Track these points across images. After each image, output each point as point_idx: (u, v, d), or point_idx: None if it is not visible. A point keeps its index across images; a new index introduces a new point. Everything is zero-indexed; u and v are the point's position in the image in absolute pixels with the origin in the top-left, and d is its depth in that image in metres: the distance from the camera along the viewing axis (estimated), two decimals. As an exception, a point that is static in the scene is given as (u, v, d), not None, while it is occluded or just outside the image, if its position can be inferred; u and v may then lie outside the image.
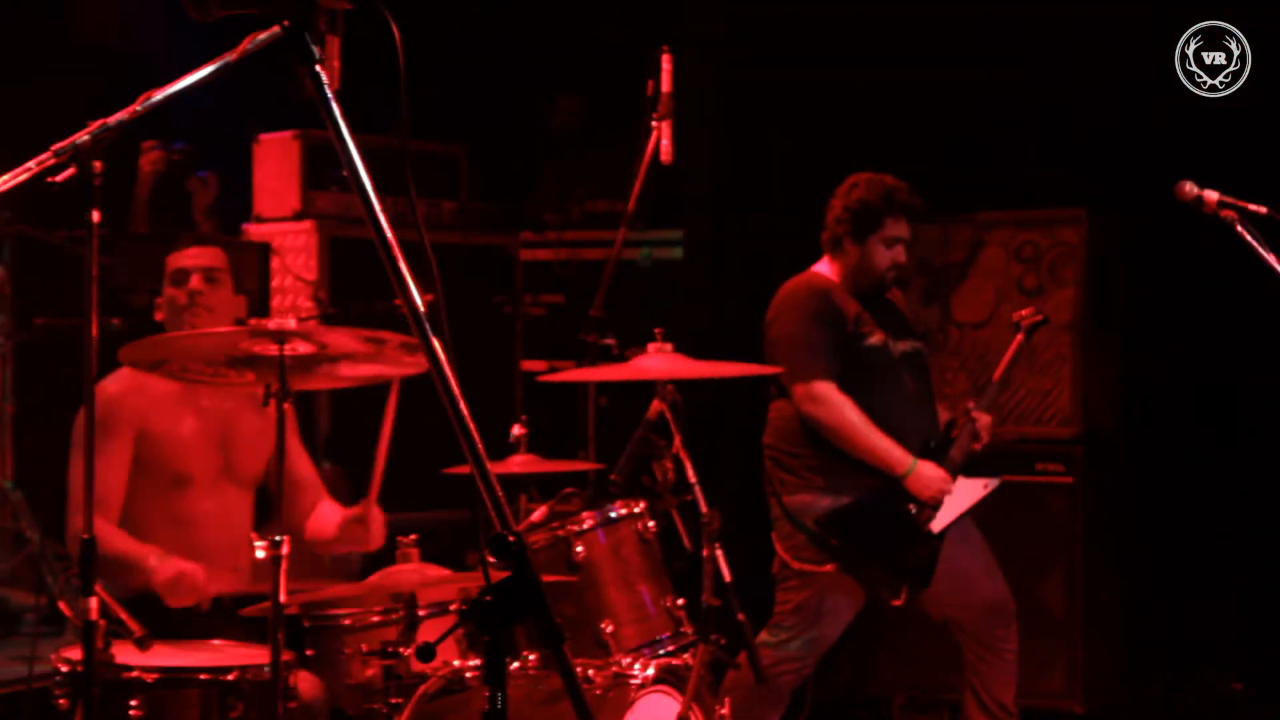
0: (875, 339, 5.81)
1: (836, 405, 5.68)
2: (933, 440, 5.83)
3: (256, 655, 4.14)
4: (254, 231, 7.66)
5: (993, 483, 5.86)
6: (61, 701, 4.04)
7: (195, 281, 5.01)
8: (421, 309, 2.35)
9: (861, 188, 5.85)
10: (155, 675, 4.01)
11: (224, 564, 4.86)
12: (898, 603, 5.76)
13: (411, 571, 4.33)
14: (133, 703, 3.96)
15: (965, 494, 5.78)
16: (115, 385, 4.94)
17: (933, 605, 5.82)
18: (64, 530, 4.90)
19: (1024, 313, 6.04)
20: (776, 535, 5.87)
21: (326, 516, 5.16)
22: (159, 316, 5.10)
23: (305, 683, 4.35)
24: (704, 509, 4.48)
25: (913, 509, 5.70)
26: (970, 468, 5.83)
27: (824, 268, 5.95)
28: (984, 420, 5.85)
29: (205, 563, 4.70)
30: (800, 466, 5.79)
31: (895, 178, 5.87)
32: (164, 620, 4.46)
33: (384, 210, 2.36)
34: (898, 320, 5.99)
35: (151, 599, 4.59)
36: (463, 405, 2.33)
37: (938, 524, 5.71)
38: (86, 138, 3.38)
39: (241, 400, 5.01)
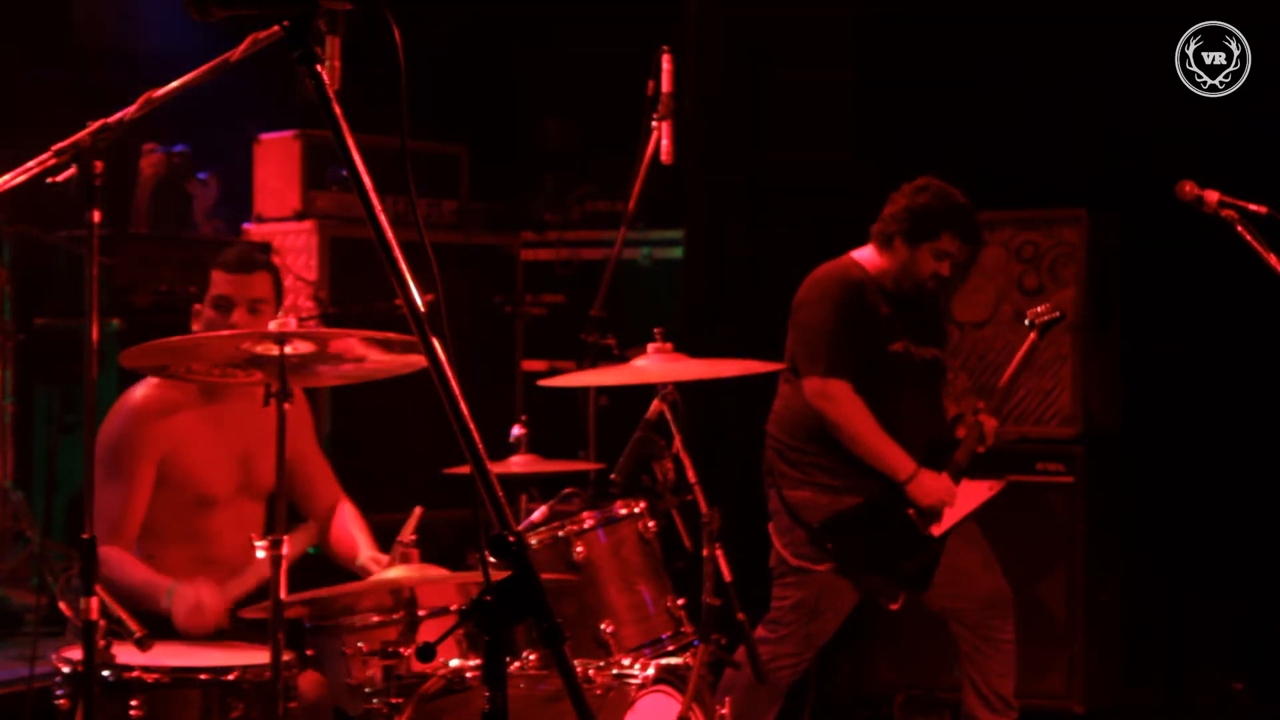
0: (898, 345, 5.79)
1: (848, 405, 5.67)
2: (938, 442, 5.82)
3: (257, 655, 4.14)
4: (255, 231, 7.65)
5: (997, 485, 5.84)
6: (62, 701, 4.04)
7: (238, 315, 4.86)
8: (422, 309, 2.35)
9: (929, 194, 5.78)
10: (156, 675, 4.01)
11: (236, 570, 4.84)
12: (895, 607, 5.76)
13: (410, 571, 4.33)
14: (133, 703, 3.96)
15: (969, 496, 5.77)
16: (142, 401, 4.86)
17: (931, 598, 5.81)
18: (70, 536, 4.87)
19: (1037, 310, 5.99)
20: (774, 529, 5.86)
21: (349, 528, 5.13)
22: (196, 325, 4.97)
23: (308, 682, 4.35)
24: (704, 509, 4.48)
25: (913, 514, 5.69)
26: (972, 469, 5.82)
27: (863, 256, 5.89)
28: (991, 424, 5.83)
29: (218, 573, 4.68)
30: (803, 462, 5.78)
31: (962, 194, 5.83)
32: (169, 621, 4.46)
33: (384, 210, 2.36)
34: (926, 326, 5.95)
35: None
36: (463, 405, 2.33)
37: (940, 528, 5.70)
38: (87, 138, 3.39)
39: (261, 410, 4.98)
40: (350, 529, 5.12)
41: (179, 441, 4.84)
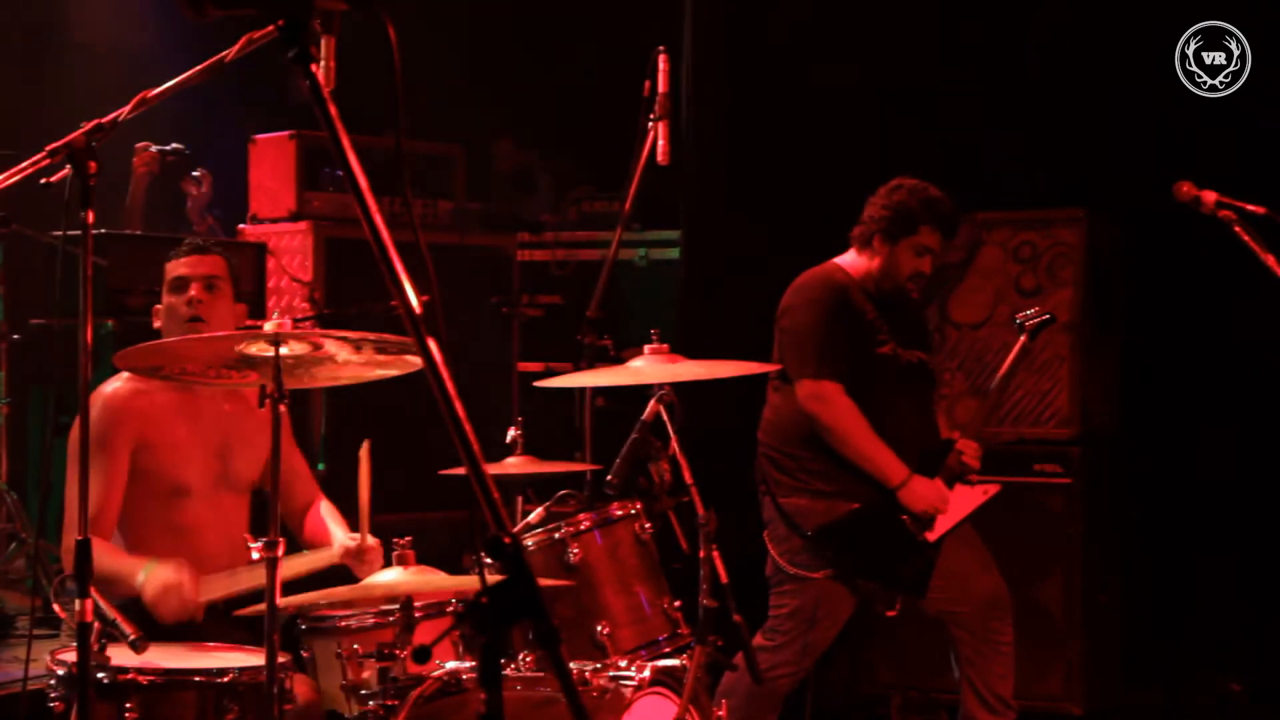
0: (885, 349, 5.78)
1: (840, 408, 5.66)
2: (931, 449, 5.80)
3: (252, 657, 4.13)
4: (250, 232, 7.65)
5: (992, 489, 5.83)
6: (57, 704, 4.03)
7: (195, 290, 4.95)
8: (417, 310, 2.33)
9: (904, 191, 5.80)
10: (150, 677, 4.00)
11: (220, 569, 4.84)
12: (891, 613, 5.75)
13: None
14: (128, 705, 3.94)
15: (964, 500, 5.76)
16: (114, 392, 4.89)
17: (929, 601, 5.80)
18: (59, 536, 4.86)
19: (1027, 312, 6.00)
20: (770, 537, 5.85)
21: (323, 519, 5.14)
22: (157, 324, 5.05)
23: (301, 686, 4.34)
24: (700, 510, 4.46)
25: (908, 520, 5.68)
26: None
27: (846, 260, 5.90)
28: (972, 448, 5.81)
29: (201, 569, 4.66)
30: (797, 469, 5.77)
31: (939, 189, 5.82)
32: (162, 624, 4.45)
33: (380, 211, 2.35)
34: (911, 329, 5.94)
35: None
36: (459, 406, 2.31)
37: (935, 533, 5.69)
38: (81, 138, 3.38)
39: (239, 405, 4.99)
40: (325, 522, 5.13)
41: (152, 429, 4.86)
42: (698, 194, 7.62)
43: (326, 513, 5.17)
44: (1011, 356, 5.94)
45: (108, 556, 4.66)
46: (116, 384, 4.91)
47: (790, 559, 5.76)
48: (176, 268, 5.02)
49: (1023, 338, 5.95)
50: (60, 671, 4.04)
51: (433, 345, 2.33)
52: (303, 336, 3.94)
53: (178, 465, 4.89)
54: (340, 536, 4.97)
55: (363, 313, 6.61)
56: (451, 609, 4.39)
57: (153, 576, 4.55)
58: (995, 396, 5.99)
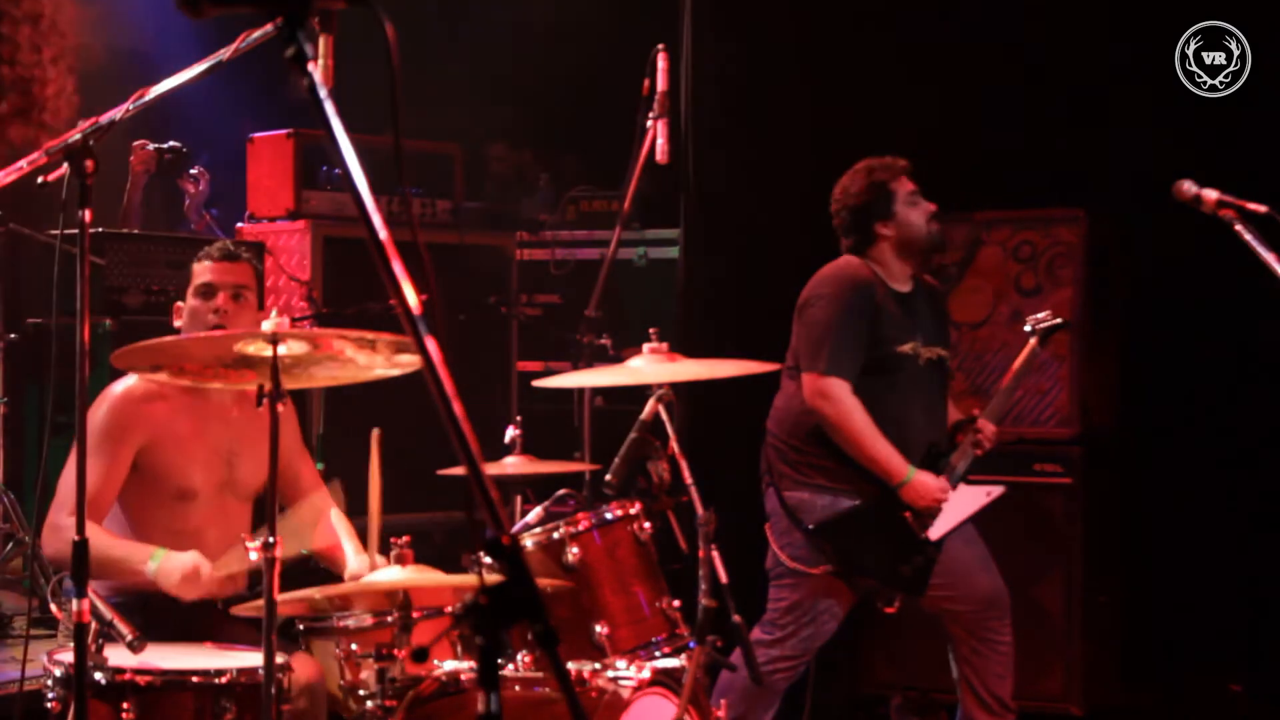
0: (906, 346, 5.76)
1: (845, 406, 5.64)
2: (937, 445, 5.80)
3: (250, 658, 4.12)
4: (248, 231, 7.63)
5: (995, 491, 5.81)
6: (53, 704, 4.02)
7: (222, 300, 4.93)
8: (416, 310, 2.32)
9: (853, 177, 5.85)
10: (148, 678, 3.99)
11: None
12: (891, 610, 5.74)
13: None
14: (125, 705, 3.94)
15: (966, 501, 5.75)
16: (128, 391, 4.89)
17: (928, 599, 5.79)
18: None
19: (1038, 316, 5.97)
20: (771, 530, 5.84)
21: (335, 531, 5.12)
22: (177, 322, 5.01)
23: (303, 666, 4.34)
24: (700, 510, 4.46)
25: (909, 517, 5.67)
26: (971, 473, 5.80)
27: (866, 257, 5.89)
28: (989, 429, 5.81)
29: None
30: (803, 463, 5.76)
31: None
32: (161, 623, 4.44)
33: (378, 210, 2.34)
34: (933, 324, 5.92)
35: (145, 601, 4.56)
36: (457, 406, 2.30)
37: (936, 531, 5.68)
38: (78, 136, 3.37)
39: (247, 409, 4.97)
40: (335, 537, 5.11)
41: (161, 431, 4.86)
42: (697, 194, 7.61)
43: (337, 522, 5.15)
44: (1020, 360, 5.91)
45: (110, 540, 4.66)
46: (130, 383, 4.90)
47: (791, 553, 5.75)
48: (204, 272, 5.00)
49: (1032, 341, 5.92)
50: (57, 672, 4.04)
51: (431, 344, 2.32)
52: (301, 336, 3.93)
53: (184, 469, 4.88)
54: (352, 564, 4.96)
55: (361, 312, 6.60)
56: (450, 609, 4.39)
57: (166, 563, 4.55)
58: (1002, 398, 5.96)
